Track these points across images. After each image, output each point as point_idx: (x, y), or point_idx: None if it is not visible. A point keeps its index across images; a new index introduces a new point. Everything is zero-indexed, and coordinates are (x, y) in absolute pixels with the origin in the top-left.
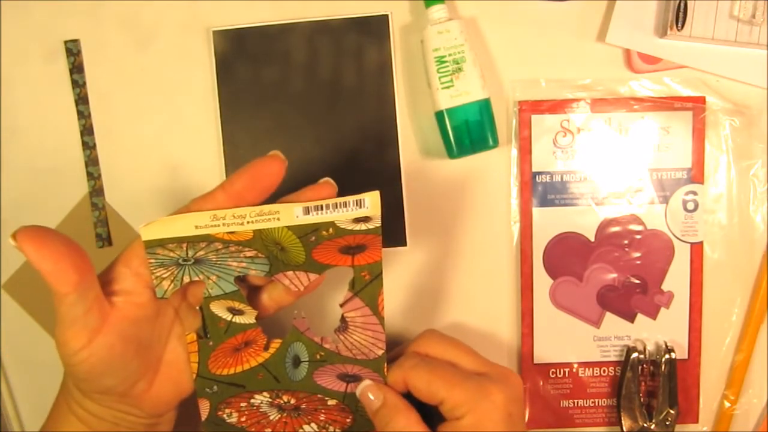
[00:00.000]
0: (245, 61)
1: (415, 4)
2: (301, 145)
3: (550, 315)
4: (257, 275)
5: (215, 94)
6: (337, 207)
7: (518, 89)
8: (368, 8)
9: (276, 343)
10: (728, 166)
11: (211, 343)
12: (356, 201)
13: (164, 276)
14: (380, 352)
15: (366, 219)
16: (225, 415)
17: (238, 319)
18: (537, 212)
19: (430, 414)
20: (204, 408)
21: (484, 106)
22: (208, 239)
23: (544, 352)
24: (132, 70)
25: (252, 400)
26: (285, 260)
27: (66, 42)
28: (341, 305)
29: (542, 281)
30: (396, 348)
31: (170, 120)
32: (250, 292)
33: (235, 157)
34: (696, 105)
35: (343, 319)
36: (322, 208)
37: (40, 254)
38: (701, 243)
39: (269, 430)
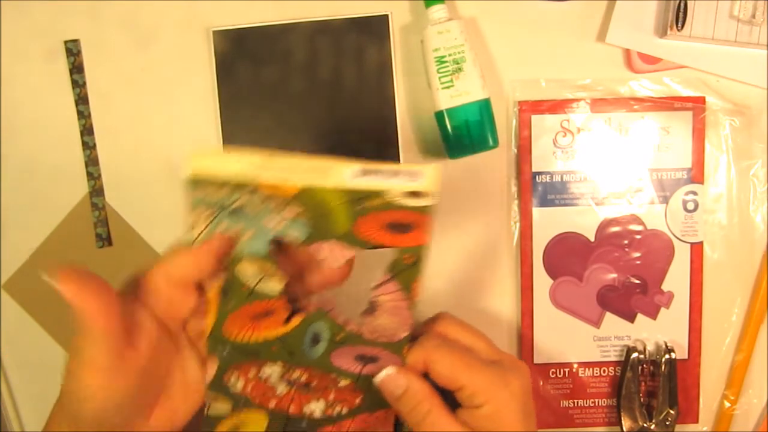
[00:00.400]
0: (245, 61)
1: (415, 4)
2: (301, 145)
3: (550, 315)
4: (294, 240)
5: (215, 94)
6: (391, 175)
7: (518, 89)
8: (368, 8)
9: (297, 319)
10: (728, 166)
11: (230, 305)
12: (412, 172)
13: (200, 218)
14: (404, 335)
15: (419, 194)
16: (231, 381)
17: (263, 286)
18: (537, 212)
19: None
20: (212, 366)
21: (484, 106)
22: (252, 187)
23: (544, 352)
24: (132, 70)
25: (263, 369)
26: (326, 228)
27: (66, 42)
28: (375, 287)
29: (542, 281)
30: None
31: (170, 120)
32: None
33: None
34: (696, 105)
35: (372, 302)
36: (375, 173)
37: (75, 295)
38: (701, 243)
39: (274, 402)
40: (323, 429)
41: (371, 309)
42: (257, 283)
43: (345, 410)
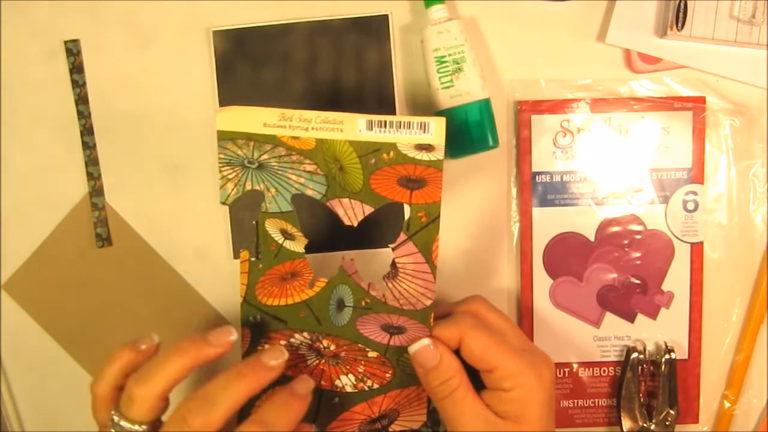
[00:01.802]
0: (245, 61)
1: (415, 4)
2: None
3: (550, 315)
4: (314, 195)
5: (215, 94)
6: (400, 127)
7: (518, 89)
8: (368, 8)
9: (321, 282)
10: (728, 166)
11: (261, 265)
12: (420, 124)
13: (230, 177)
14: (428, 303)
15: (429, 148)
16: None
17: (288, 245)
18: (537, 212)
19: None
20: (246, 338)
21: (484, 106)
22: (274, 141)
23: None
24: (132, 70)
25: (292, 339)
26: (342, 183)
27: (66, 42)
28: (393, 249)
29: (542, 281)
30: (438, 309)
31: (170, 120)
32: None
33: None
34: (696, 105)
35: (393, 265)
36: (385, 125)
37: None
38: (701, 243)
39: (305, 375)
40: (356, 405)
41: (393, 273)
42: (284, 241)
43: (376, 385)
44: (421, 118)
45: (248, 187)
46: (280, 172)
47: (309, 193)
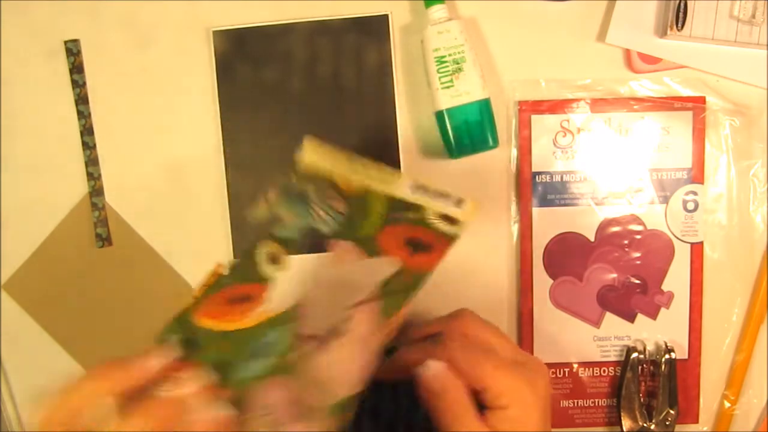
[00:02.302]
0: (245, 61)
1: (415, 4)
2: (302, 145)
3: (550, 315)
4: (322, 231)
5: (215, 94)
6: (438, 196)
7: (518, 89)
8: (368, 8)
9: (265, 315)
10: (728, 166)
11: (227, 280)
12: (457, 200)
13: (271, 200)
14: (342, 396)
15: (452, 221)
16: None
17: (266, 267)
18: (537, 212)
19: None
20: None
21: (484, 106)
22: (328, 178)
23: (544, 352)
24: (132, 70)
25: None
26: (355, 228)
27: (66, 42)
28: (357, 304)
29: (542, 281)
30: (425, 326)
31: (170, 120)
32: None
33: (235, 157)
34: (696, 105)
35: (346, 319)
36: (425, 189)
37: None
38: (701, 243)
39: None
40: None
41: (340, 330)
42: (263, 263)
43: None
44: (459, 194)
45: (277, 211)
46: (312, 205)
47: (323, 228)
